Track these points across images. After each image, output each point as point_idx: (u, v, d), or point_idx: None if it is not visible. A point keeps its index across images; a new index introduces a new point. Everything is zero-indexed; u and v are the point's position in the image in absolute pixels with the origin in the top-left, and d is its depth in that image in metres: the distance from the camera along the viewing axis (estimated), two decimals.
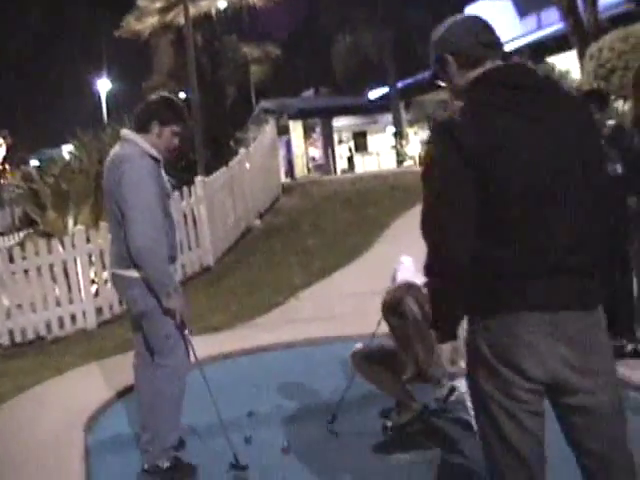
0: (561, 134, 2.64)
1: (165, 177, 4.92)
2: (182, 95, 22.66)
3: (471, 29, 2.83)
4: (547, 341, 2.60)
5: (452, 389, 4.81)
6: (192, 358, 4.99)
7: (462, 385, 4.65)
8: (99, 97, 53.68)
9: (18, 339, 10.05)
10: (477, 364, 2.71)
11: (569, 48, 19.84)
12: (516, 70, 2.78)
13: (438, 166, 2.64)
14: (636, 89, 4.55)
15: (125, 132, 4.86)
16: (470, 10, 36.96)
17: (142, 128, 4.79)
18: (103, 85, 54.05)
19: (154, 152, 4.75)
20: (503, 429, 2.67)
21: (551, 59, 24.09)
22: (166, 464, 4.95)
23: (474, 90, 2.74)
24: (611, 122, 6.28)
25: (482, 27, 2.85)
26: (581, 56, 17.68)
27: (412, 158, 36.13)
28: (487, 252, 2.60)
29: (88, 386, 7.07)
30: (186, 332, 4.88)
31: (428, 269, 2.69)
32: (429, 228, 2.66)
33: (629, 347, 6.11)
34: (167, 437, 4.97)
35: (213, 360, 7.34)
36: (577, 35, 18.46)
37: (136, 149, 4.72)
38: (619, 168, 6.00)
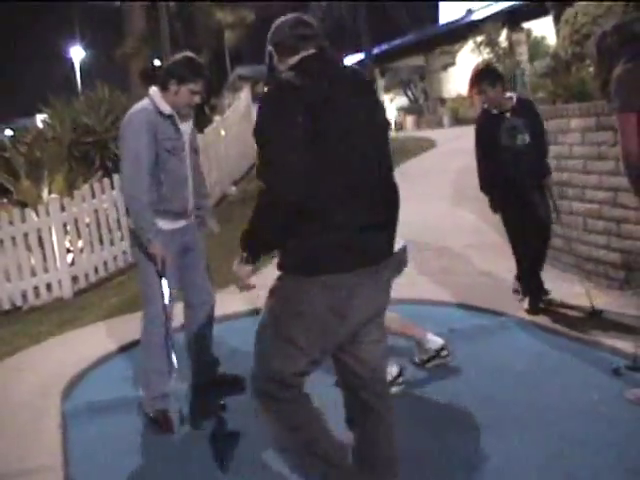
0: (351, 113, 3.19)
1: (180, 133, 5.13)
2: (156, 62, 22.49)
3: (288, 25, 3.41)
4: (372, 290, 3.25)
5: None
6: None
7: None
8: (72, 65, 53.20)
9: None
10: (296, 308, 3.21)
11: (545, 13, 19.83)
12: (320, 58, 3.33)
13: (274, 117, 3.11)
14: (599, 56, 4.70)
15: (150, 89, 5.15)
16: None
17: (162, 86, 5.05)
18: (76, 53, 53.51)
19: (165, 108, 5.01)
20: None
21: (527, 25, 24.09)
22: (150, 414, 5.16)
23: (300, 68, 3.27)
24: (511, 94, 6.71)
25: (298, 23, 3.42)
26: (556, 21, 17.66)
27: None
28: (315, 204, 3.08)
29: (64, 354, 7.06)
30: (164, 282, 5.02)
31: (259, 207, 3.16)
32: (262, 170, 3.14)
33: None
34: (151, 386, 5.16)
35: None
36: (552, 0, 18.44)
37: (143, 104, 5.04)
38: (527, 137, 6.50)
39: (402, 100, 39.04)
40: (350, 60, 41.77)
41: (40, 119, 18.06)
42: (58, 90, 18.60)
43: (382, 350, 3.56)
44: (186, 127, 5.18)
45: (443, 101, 32.46)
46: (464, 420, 4.73)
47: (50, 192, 12.12)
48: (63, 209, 10.48)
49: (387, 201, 3.35)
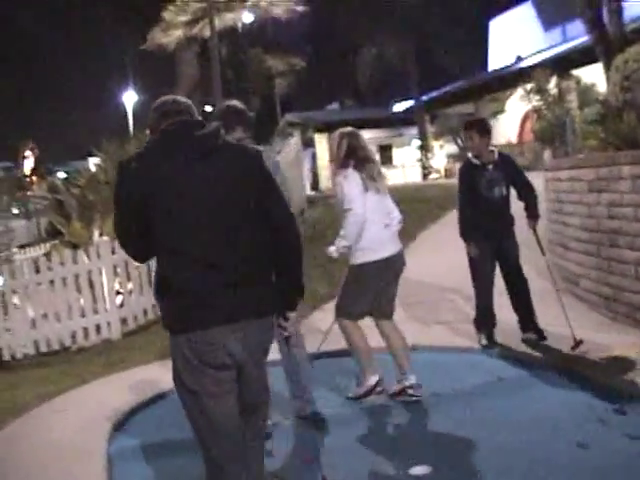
0: (210, 177, 3.45)
1: None
2: (207, 108, 22.77)
3: (155, 106, 3.74)
4: (233, 341, 3.44)
5: None
6: None
7: None
8: (125, 109, 54.04)
9: (43, 349, 10.10)
10: (181, 364, 3.50)
11: (595, 60, 19.74)
12: (178, 128, 3.54)
13: (115, 196, 3.54)
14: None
15: None
16: (495, 23, 36.97)
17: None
18: (129, 97, 54.38)
19: None
20: (203, 404, 3.52)
21: (577, 72, 23.99)
22: None
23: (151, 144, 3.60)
24: (493, 149, 7.27)
25: (164, 102, 3.72)
26: (607, 68, 17.56)
27: (437, 171, 36.12)
28: (171, 273, 3.43)
29: (110, 396, 7.07)
30: None
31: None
32: (117, 234, 3.67)
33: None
34: None
35: None
36: (602, 47, 18.36)
37: None
38: (504, 190, 7.11)
39: (452, 147, 39.02)
40: (399, 107, 42.01)
41: (93, 162, 18.35)
42: (111, 134, 18.87)
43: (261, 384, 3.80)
44: None
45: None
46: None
47: (101, 234, 12.27)
48: (113, 252, 10.58)
49: (240, 262, 3.48)
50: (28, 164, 45.57)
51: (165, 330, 3.51)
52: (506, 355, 7.06)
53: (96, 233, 12.53)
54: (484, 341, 7.31)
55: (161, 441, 5.78)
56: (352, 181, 5.81)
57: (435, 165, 36.90)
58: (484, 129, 7.20)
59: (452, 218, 15.07)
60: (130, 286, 10.95)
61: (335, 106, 51.34)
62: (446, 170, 35.85)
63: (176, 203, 3.38)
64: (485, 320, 7.37)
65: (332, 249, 5.93)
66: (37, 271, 10.26)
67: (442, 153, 38.69)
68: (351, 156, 5.90)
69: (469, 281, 7.39)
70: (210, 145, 3.52)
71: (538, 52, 29.48)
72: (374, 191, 5.87)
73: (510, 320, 7.46)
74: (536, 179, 12.46)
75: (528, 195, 7.28)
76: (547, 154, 21.81)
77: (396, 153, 44.90)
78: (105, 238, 11.09)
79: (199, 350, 3.41)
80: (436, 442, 5.27)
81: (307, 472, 4.99)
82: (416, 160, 39.91)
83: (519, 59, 31.92)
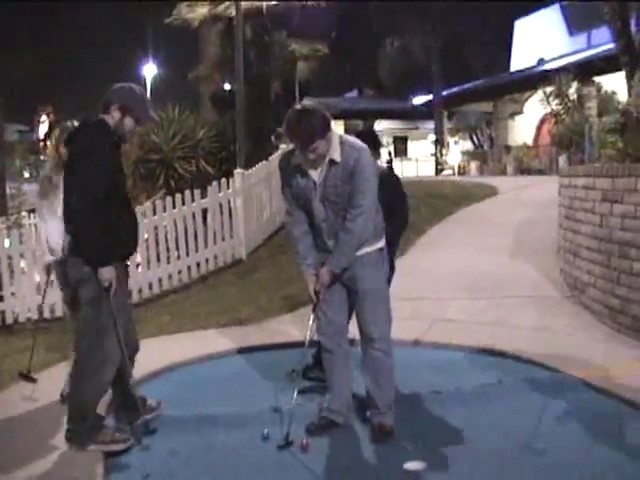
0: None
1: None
2: (227, 86, 22.74)
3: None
4: None
5: None
6: None
7: None
8: (144, 81, 53.97)
9: (47, 315, 10.13)
10: None
11: (618, 69, 19.65)
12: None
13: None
14: None
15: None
16: (520, 24, 36.80)
17: None
18: (149, 70, 54.31)
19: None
20: None
21: (598, 79, 23.88)
22: None
23: None
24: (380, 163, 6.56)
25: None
26: (630, 77, 17.49)
27: (451, 167, 36.03)
28: None
29: None
30: None
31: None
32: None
33: None
34: None
35: (238, 353, 7.38)
36: (627, 56, 18.27)
37: None
38: None
39: (467, 145, 38.94)
40: (418, 100, 41.90)
41: None
42: None
43: None
44: None
45: (508, 149, 32.26)
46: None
47: None
48: None
49: None
50: (43, 129, 45.54)
51: None
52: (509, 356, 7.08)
53: None
54: None
55: (162, 416, 5.81)
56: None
57: (449, 161, 36.79)
58: (376, 141, 6.35)
59: (464, 215, 15.11)
60: (138, 259, 10.98)
61: (354, 94, 51.22)
62: (460, 167, 35.75)
63: None
64: None
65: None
66: None
67: (457, 149, 38.61)
68: None
69: (478, 279, 7.29)
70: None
71: (561, 56, 29.35)
72: None
73: (523, 323, 7.44)
74: (548, 184, 12.43)
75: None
76: (562, 159, 21.71)
77: (411, 146, 44.84)
78: None
79: None
80: (433, 439, 5.28)
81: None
82: (430, 154, 39.82)
83: (542, 61, 31.80)
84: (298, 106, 4.98)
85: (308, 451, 5.05)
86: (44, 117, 45.00)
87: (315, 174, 5.04)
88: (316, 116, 4.85)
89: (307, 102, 5.04)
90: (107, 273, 4.88)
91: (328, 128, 4.91)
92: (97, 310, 5.00)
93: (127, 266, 5.40)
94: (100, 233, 4.79)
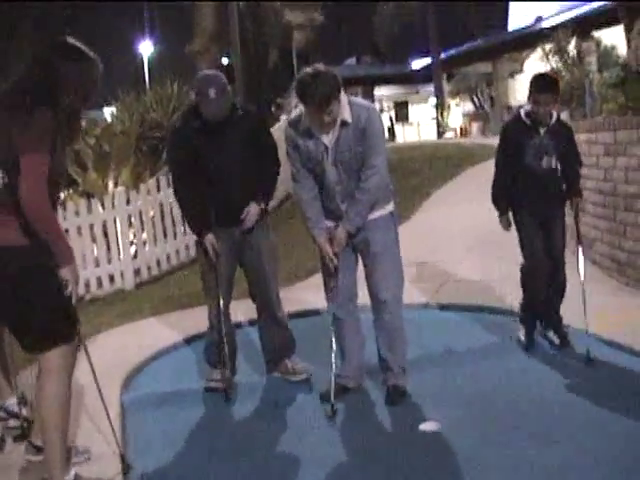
0: None
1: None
2: (224, 59, 22.65)
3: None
4: None
5: None
6: None
7: None
8: (141, 59, 53.76)
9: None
10: None
11: (616, 22, 19.52)
12: None
13: None
14: None
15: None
16: None
17: None
18: (145, 47, 54.07)
19: None
20: None
21: (597, 34, 23.72)
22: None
23: None
24: (553, 111, 6.10)
25: None
26: (628, 31, 17.37)
27: (453, 129, 35.93)
28: None
29: (123, 345, 7.12)
30: None
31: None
32: None
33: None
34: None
35: (249, 325, 7.38)
36: (624, 9, 18.14)
37: None
38: (554, 161, 5.97)
39: (468, 106, 38.78)
40: (417, 64, 41.68)
41: (109, 112, 18.33)
42: (127, 84, 18.82)
43: None
44: None
45: (509, 108, 32.13)
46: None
47: (116, 184, 12.30)
48: (128, 202, 10.62)
49: None
50: None
51: None
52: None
53: (111, 183, 12.55)
54: (522, 337, 6.27)
55: (172, 391, 5.84)
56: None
57: (451, 124, 36.68)
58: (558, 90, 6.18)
59: (467, 176, 15.08)
60: (144, 237, 11.00)
61: (352, 61, 50.99)
62: (462, 129, 35.65)
63: None
64: (530, 313, 6.32)
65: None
66: None
67: (458, 111, 38.47)
68: None
69: (482, 241, 7.24)
70: None
71: (559, 13, 29.11)
72: None
73: None
74: None
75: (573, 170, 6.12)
76: (564, 116, 21.63)
77: (412, 110, 44.69)
78: (120, 188, 11.11)
79: None
80: (447, 399, 5.31)
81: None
82: (431, 118, 39.69)
83: (539, 19, 31.57)
84: (310, 69, 4.94)
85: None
86: None
87: (326, 138, 5.05)
88: (330, 77, 4.85)
89: (318, 65, 5.01)
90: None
91: (340, 90, 4.91)
92: None
93: None
94: None
